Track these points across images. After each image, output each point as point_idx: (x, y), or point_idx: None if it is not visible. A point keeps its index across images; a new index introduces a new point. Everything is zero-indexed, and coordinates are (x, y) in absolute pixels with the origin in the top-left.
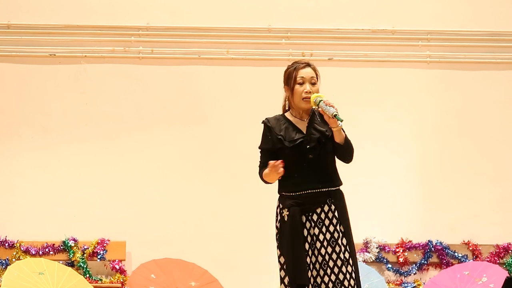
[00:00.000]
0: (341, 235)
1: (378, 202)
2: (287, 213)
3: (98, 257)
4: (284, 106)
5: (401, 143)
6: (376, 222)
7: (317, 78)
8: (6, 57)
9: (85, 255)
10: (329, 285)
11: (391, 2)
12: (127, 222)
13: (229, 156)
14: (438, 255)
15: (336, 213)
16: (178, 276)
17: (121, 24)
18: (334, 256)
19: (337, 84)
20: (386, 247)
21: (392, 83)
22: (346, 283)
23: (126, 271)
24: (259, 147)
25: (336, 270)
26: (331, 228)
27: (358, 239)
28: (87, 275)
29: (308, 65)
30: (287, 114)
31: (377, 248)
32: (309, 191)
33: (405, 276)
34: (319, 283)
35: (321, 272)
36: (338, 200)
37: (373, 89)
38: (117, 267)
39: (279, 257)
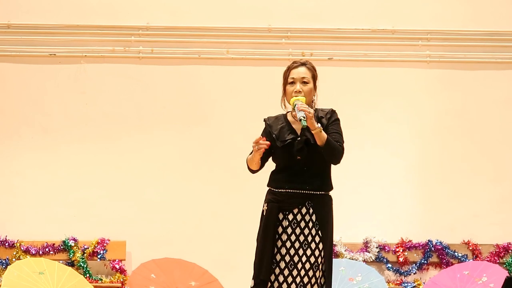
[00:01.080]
0: (317, 239)
1: (378, 202)
2: (266, 208)
3: (98, 256)
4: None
5: (401, 143)
6: (376, 222)
7: (313, 78)
8: (6, 57)
9: (85, 254)
10: (291, 286)
11: (391, 2)
12: (127, 222)
13: (229, 156)
14: (438, 255)
15: (313, 217)
16: (178, 276)
17: (121, 24)
18: (304, 258)
19: (337, 84)
20: (386, 247)
21: (392, 83)
22: (309, 287)
23: (126, 271)
24: None
25: (302, 272)
26: (306, 231)
27: (358, 239)
28: (87, 275)
29: (302, 64)
30: (288, 114)
31: (377, 248)
32: (288, 190)
33: (405, 276)
34: (280, 281)
35: (286, 272)
36: (320, 205)
37: (373, 89)
38: (117, 266)
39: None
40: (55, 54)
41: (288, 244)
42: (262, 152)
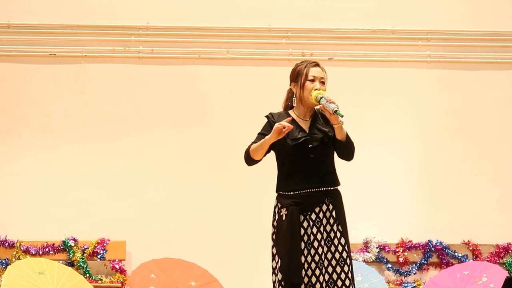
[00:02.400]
0: (339, 234)
1: (378, 202)
2: (285, 212)
3: (98, 256)
4: (287, 105)
5: (401, 143)
6: (376, 222)
7: (325, 79)
8: (6, 57)
9: (85, 254)
10: (323, 285)
11: (391, 2)
12: (127, 222)
13: (229, 156)
14: (438, 255)
15: (333, 213)
16: (178, 276)
17: (121, 24)
18: (329, 255)
19: (337, 84)
20: (386, 247)
21: (392, 83)
22: (339, 283)
23: (126, 271)
24: (259, 132)
25: (330, 269)
26: (328, 228)
27: (358, 239)
28: (87, 275)
29: (317, 64)
30: (290, 112)
31: (377, 248)
32: (308, 190)
33: (405, 276)
34: (313, 282)
35: (317, 272)
36: (336, 200)
37: (373, 89)
38: (117, 267)
39: (272, 259)
40: (55, 54)
41: (315, 244)
42: (281, 136)
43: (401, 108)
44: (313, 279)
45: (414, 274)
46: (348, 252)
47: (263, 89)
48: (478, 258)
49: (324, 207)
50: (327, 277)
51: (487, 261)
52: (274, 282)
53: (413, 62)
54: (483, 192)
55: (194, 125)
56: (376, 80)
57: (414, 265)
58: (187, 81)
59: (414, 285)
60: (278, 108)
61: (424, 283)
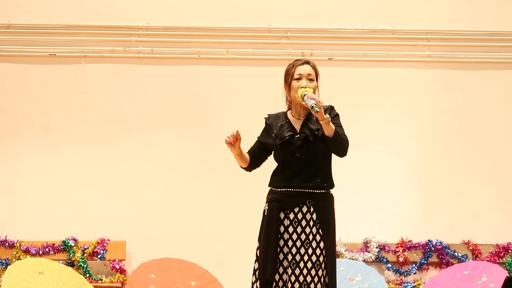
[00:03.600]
0: (318, 238)
1: (378, 202)
2: (267, 207)
3: (98, 256)
4: (287, 104)
5: (401, 143)
6: (376, 222)
7: (316, 76)
8: (6, 57)
9: (85, 254)
10: (295, 285)
11: (391, 2)
12: (127, 222)
13: (229, 156)
14: (438, 255)
15: (314, 215)
16: (178, 276)
17: (121, 24)
18: (305, 257)
19: (337, 84)
20: (386, 247)
21: (392, 83)
22: (312, 286)
23: (126, 271)
24: (257, 137)
25: (305, 271)
26: (307, 230)
27: (358, 239)
28: (87, 275)
29: (307, 62)
30: (288, 113)
31: (377, 247)
32: (289, 189)
33: (405, 276)
34: (285, 280)
35: (289, 271)
36: (321, 203)
37: (373, 89)
38: (117, 267)
39: (256, 249)
40: (55, 54)
41: (290, 243)
42: (236, 147)
43: (401, 108)
44: (284, 277)
45: (414, 274)
46: (329, 257)
47: (263, 89)
48: (478, 258)
49: (304, 209)
50: (301, 278)
51: (487, 261)
52: (255, 269)
53: (413, 62)
54: (483, 192)
55: (194, 125)
56: (376, 80)
57: (414, 265)
58: (187, 81)
59: (414, 285)
60: (278, 108)
61: (424, 283)
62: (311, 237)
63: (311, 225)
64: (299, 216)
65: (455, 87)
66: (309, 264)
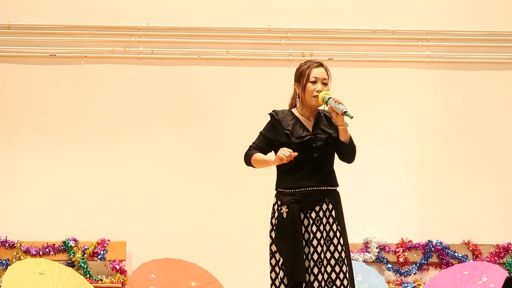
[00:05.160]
0: (338, 234)
1: (378, 202)
2: (286, 210)
3: (99, 257)
4: (292, 103)
5: (401, 143)
6: (376, 222)
7: (328, 79)
8: (6, 57)
9: (85, 255)
10: (322, 284)
11: (391, 2)
12: (128, 222)
13: (229, 156)
14: (438, 255)
15: (333, 213)
16: (178, 276)
17: (121, 24)
18: (328, 255)
19: (337, 84)
20: (386, 247)
21: (392, 83)
22: (338, 282)
23: (127, 271)
24: (261, 132)
25: (329, 269)
26: (327, 227)
27: (358, 239)
28: (88, 275)
29: (321, 65)
30: (294, 111)
31: (377, 248)
32: (310, 188)
33: (405, 276)
34: (312, 281)
35: (315, 270)
36: (336, 200)
37: (373, 89)
38: (118, 267)
39: (271, 257)
40: (55, 55)
41: (314, 242)
42: (276, 163)
43: (401, 109)
44: (312, 278)
45: (414, 274)
46: (347, 252)
47: (263, 90)
48: (478, 258)
49: (324, 206)
50: (325, 276)
51: (487, 261)
52: (273, 279)
53: (413, 63)
54: (483, 192)
55: (194, 126)
56: (376, 80)
57: (414, 265)
58: (187, 81)
59: (414, 285)
60: (277, 108)
61: (424, 283)
62: (331, 234)
63: (331, 222)
64: (320, 214)
65: (455, 87)
66: (333, 261)
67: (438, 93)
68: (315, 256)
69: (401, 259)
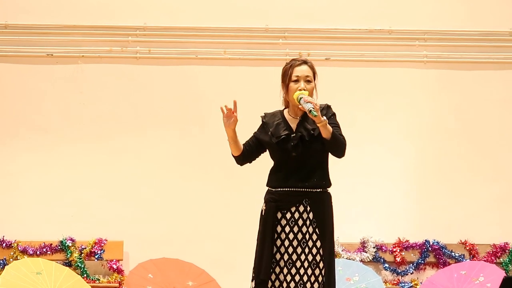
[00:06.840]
0: (315, 237)
1: (375, 202)
2: (265, 208)
3: (96, 257)
4: (283, 103)
5: (398, 143)
6: (373, 221)
7: (314, 77)
8: (3, 57)
9: (82, 255)
10: (291, 285)
11: (388, 2)
12: (125, 222)
13: (226, 155)
14: (435, 255)
15: (310, 215)
16: (175, 276)
17: (118, 24)
18: (302, 256)
19: (334, 84)
20: (383, 247)
21: (389, 83)
22: (308, 285)
23: (124, 271)
24: (254, 132)
25: (301, 271)
26: (303, 229)
27: (355, 238)
28: (85, 275)
29: (304, 62)
30: (285, 111)
31: (374, 247)
32: (286, 189)
33: (402, 276)
34: (281, 280)
35: (285, 270)
36: (317, 202)
37: (370, 89)
38: (115, 267)
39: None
40: (52, 55)
41: (286, 242)
42: (232, 125)
43: (398, 108)
44: (281, 277)
45: (411, 273)
46: (324, 256)
47: (260, 90)
48: (475, 258)
49: (301, 208)
50: (297, 277)
51: (484, 260)
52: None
53: (410, 62)
54: (480, 192)
55: (192, 125)
56: (373, 80)
57: (411, 264)
58: (184, 81)
59: (411, 284)
60: (275, 108)
61: (421, 282)
62: (307, 236)
63: (308, 224)
64: (296, 215)
65: (452, 87)
66: (306, 264)
67: (435, 93)
68: (286, 257)
69: (398, 259)
